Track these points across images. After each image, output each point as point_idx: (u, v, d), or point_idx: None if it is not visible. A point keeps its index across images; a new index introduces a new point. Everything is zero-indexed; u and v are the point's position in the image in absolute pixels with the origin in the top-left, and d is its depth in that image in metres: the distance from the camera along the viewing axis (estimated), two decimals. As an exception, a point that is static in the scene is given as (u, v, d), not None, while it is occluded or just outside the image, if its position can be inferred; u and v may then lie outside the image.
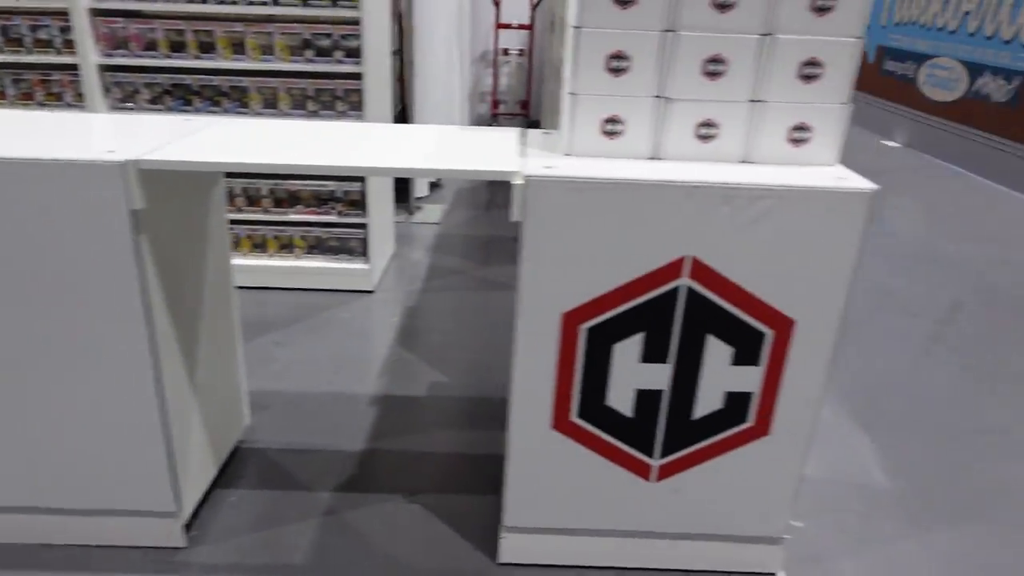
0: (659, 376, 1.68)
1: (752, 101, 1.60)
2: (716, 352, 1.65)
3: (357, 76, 3.18)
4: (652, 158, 1.66)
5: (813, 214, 1.52)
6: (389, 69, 3.61)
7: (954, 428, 2.64)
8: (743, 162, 1.65)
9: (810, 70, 1.57)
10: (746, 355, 1.65)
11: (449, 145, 1.78)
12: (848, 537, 2.09)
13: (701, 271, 1.58)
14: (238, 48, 3.15)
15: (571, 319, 1.63)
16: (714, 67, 1.57)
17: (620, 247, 1.56)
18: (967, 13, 6.10)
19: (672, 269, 1.58)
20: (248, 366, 2.87)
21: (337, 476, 2.27)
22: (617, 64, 1.57)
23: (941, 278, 3.97)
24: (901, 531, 2.12)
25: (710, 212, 1.52)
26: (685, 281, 1.59)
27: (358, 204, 3.44)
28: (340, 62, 3.16)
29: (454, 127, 1.98)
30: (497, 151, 1.72)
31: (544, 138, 1.86)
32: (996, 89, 5.71)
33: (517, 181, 1.52)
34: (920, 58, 6.76)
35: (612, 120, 1.62)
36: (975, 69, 5.97)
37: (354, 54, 3.15)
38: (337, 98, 3.24)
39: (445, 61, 4.53)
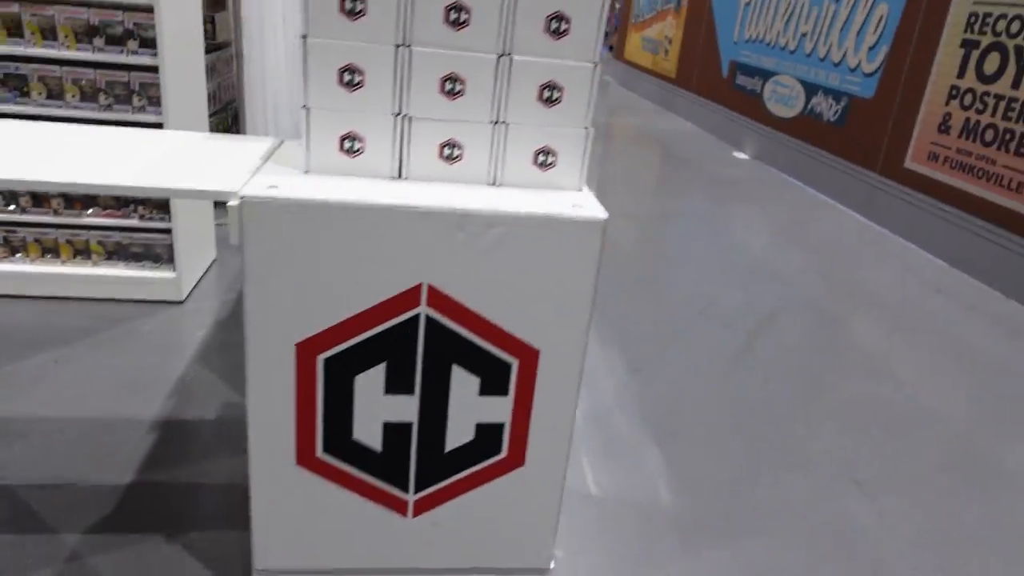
0: (406, 408, 1.60)
1: (494, 122, 1.55)
2: (462, 382, 1.59)
3: (154, 69, 2.94)
4: (397, 178, 1.57)
5: (548, 242, 1.48)
6: (201, 63, 3.38)
7: (750, 441, 2.73)
8: (493, 184, 1.60)
9: (550, 93, 1.53)
10: (493, 385, 1.60)
11: (181, 156, 1.63)
12: (621, 561, 2.09)
13: (439, 299, 1.50)
14: (15, 31, 2.84)
15: (306, 349, 1.52)
16: (452, 85, 1.50)
17: (352, 273, 1.46)
18: (804, 34, 6.45)
19: (409, 297, 1.50)
20: (13, 388, 2.58)
21: (91, 515, 2.06)
22: (350, 78, 1.48)
23: (762, 289, 4.15)
24: (674, 553, 2.14)
25: (445, 238, 1.45)
26: (424, 309, 1.51)
27: (163, 207, 3.19)
28: (134, 52, 2.91)
29: (202, 134, 1.83)
30: (231, 166, 1.58)
31: (297, 152, 1.74)
32: (827, 108, 6.07)
33: (232, 203, 1.39)
34: (766, 75, 7.11)
35: (350, 137, 1.52)
36: (811, 88, 6.33)
37: (149, 44, 2.90)
38: (133, 92, 2.98)
39: (285, 56, 4.30)
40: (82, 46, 2.89)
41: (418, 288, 1.49)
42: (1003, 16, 4.35)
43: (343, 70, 1.47)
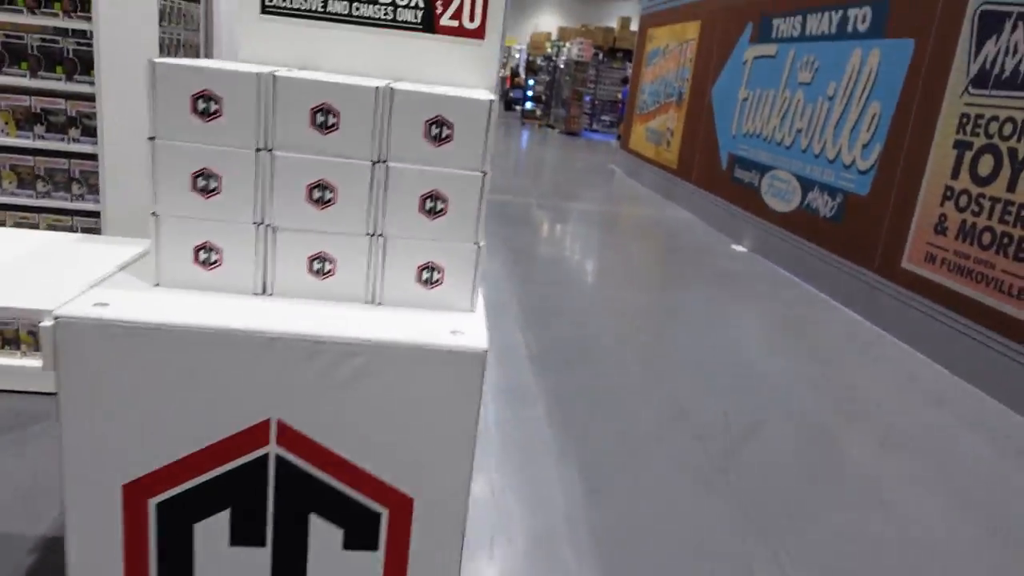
0: (257, 562, 1.36)
1: (371, 235, 1.37)
2: (323, 534, 1.35)
3: (93, 157, 2.84)
4: (261, 293, 1.39)
5: (419, 376, 1.27)
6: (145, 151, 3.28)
7: (709, 579, 2.41)
8: (372, 303, 1.41)
9: (433, 204, 1.35)
10: (359, 538, 1.36)
11: (29, 262, 1.46)
12: None
13: (291, 437, 1.29)
14: (-46, 118, 2.77)
15: (135, 492, 1.30)
16: (321, 194, 1.33)
17: (187, 406, 1.26)
18: (799, 130, 6.38)
19: (256, 434, 1.28)
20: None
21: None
22: (205, 183, 1.31)
23: (746, 397, 3.88)
24: None
25: (296, 369, 1.25)
26: (274, 448, 1.29)
27: (102, 298, 3.03)
28: (75, 140, 2.82)
29: (76, 236, 1.67)
30: (75, 276, 1.41)
31: (170, 258, 1.57)
32: (823, 204, 5.92)
33: (45, 323, 1.21)
34: (763, 169, 7.02)
35: (206, 247, 1.35)
36: (807, 184, 6.20)
37: (90, 132, 2.82)
38: (73, 180, 2.88)
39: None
40: (22, 133, 2.81)
41: (265, 425, 1.28)
42: (995, 118, 4.22)
43: (197, 175, 1.31)
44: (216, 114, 1.28)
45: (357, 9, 1.55)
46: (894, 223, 5.03)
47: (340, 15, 1.55)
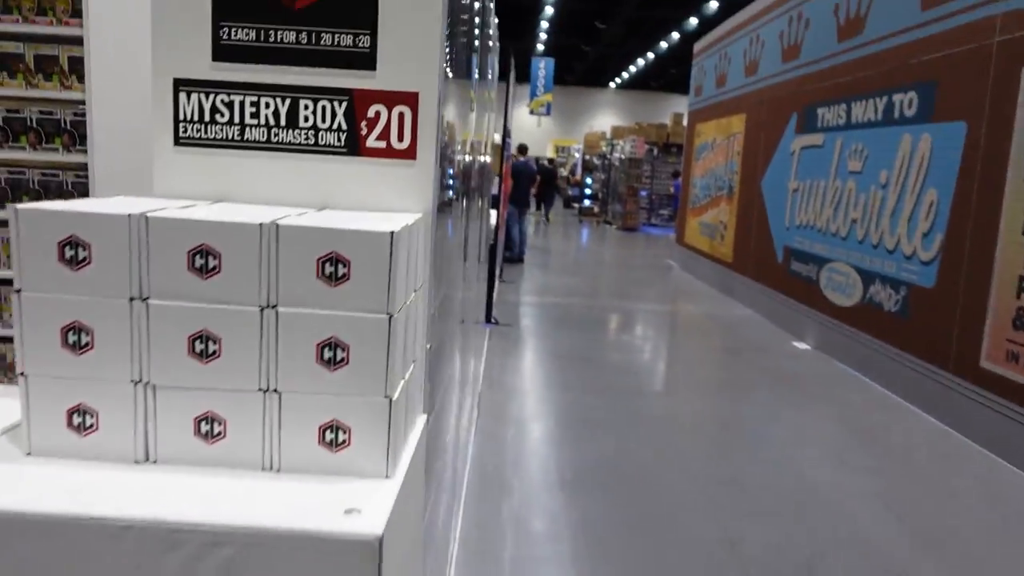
0: None
1: (264, 391, 1.17)
2: None
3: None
4: (144, 461, 1.20)
5: (297, 569, 1.03)
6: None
7: None
8: (269, 469, 1.19)
9: (332, 353, 1.15)
10: None
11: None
12: None
13: (152, 647, 1.06)
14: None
15: None
16: (204, 346, 1.15)
17: (30, 609, 1.05)
18: (854, 221, 6.03)
19: (111, 643, 1.06)
20: None
21: None
22: (76, 338, 1.16)
23: (805, 523, 3.42)
24: None
25: (153, 564, 1.04)
26: (132, 661, 1.06)
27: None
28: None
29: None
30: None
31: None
32: (887, 298, 5.47)
33: None
34: (820, 261, 6.64)
35: (80, 410, 1.18)
36: (867, 276, 5.79)
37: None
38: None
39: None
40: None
41: (121, 631, 1.05)
42: (1068, 201, 3.81)
43: (67, 329, 1.15)
44: (85, 261, 1.14)
45: (276, 135, 1.42)
46: (966, 317, 4.56)
47: (259, 142, 1.42)
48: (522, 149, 11.75)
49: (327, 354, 1.15)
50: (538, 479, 3.74)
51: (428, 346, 1.48)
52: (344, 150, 1.42)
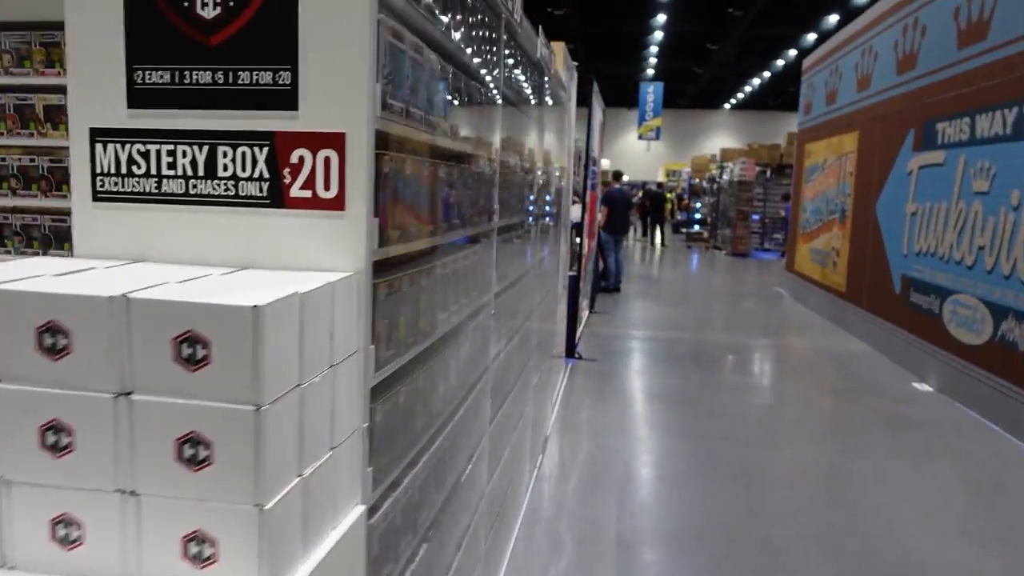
0: None
1: (121, 492, 0.99)
2: None
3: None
4: (1, 567, 1.05)
5: None
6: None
7: None
8: (135, 583, 1.01)
9: (193, 451, 0.96)
10: None
11: None
12: None
13: None
14: None
15: None
16: (56, 437, 0.99)
17: None
18: (982, 248, 5.31)
19: None
20: None
21: None
22: (-69, 425, 1.03)
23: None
24: None
25: None
26: None
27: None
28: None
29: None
30: None
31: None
32: (1022, 336, 4.74)
33: None
34: (943, 293, 5.90)
35: (-62, 505, 1.05)
36: (998, 311, 5.06)
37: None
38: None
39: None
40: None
41: None
42: None
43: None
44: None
45: (195, 187, 1.26)
46: (1120, 364, 3.83)
47: (176, 195, 1.27)
48: (617, 175, 11.41)
49: (188, 451, 0.96)
50: (589, 535, 3.41)
51: (365, 425, 1.27)
52: (267, 201, 1.25)
